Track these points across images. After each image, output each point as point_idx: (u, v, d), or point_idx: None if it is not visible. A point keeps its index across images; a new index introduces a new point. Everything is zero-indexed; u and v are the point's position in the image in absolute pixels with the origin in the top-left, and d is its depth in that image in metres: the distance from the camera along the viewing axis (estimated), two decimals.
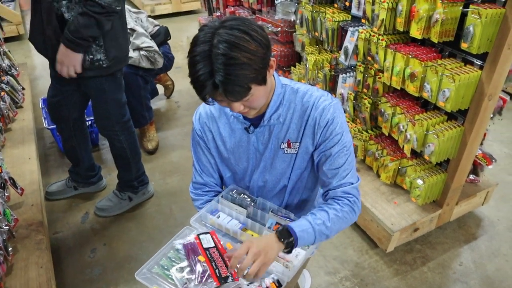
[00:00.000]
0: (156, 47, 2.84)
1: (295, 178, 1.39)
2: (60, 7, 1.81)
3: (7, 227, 1.89)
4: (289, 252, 1.20)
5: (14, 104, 3.07)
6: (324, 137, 1.27)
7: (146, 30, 2.95)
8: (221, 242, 1.28)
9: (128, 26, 2.73)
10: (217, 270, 1.16)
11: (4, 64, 3.13)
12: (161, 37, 3.10)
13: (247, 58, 1.04)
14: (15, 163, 2.53)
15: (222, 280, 1.14)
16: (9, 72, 3.22)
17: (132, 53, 2.78)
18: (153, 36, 3.02)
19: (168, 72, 3.69)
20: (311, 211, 1.29)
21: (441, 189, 2.17)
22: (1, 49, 3.22)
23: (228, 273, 1.16)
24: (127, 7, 2.93)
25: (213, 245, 1.26)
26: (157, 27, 3.11)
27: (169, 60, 3.21)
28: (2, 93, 2.86)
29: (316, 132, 1.27)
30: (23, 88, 3.34)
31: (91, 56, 1.91)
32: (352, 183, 1.30)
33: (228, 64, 1.03)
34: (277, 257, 1.24)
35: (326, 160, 1.29)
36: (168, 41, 3.24)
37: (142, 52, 2.79)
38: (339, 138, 1.27)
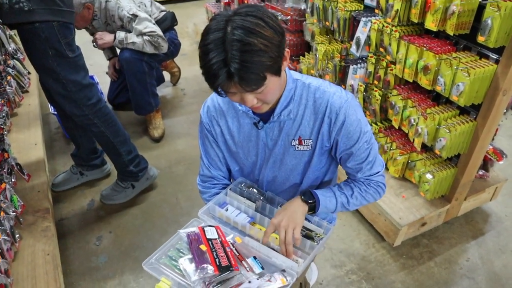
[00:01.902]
0: (159, 32, 2.80)
1: (311, 176, 1.37)
2: None
3: (14, 214, 1.89)
4: (313, 213, 1.33)
5: (20, 89, 3.06)
6: (343, 136, 1.24)
7: (151, 15, 2.91)
8: (229, 237, 1.27)
9: (130, 12, 2.69)
10: (217, 259, 1.15)
11: (10, 48, 3.09)
12: (168, 22, 3.06)
13: (263, 45, 1.00)
14: (21, 149, 2.52)
15: (222, 269, 1.13)
16: (15, 56, 3.19)
17: (135, 39, 2.75)
18: (160, 22, 2.98)
19: (174, 59, 3.66)
20: (337, 184, 1.38)
21: (450, 184, 2.14)
22: (7, 33, 3.18)
23: (228, 263, 1.15)
24: None
25: (216, 237, 1.25)
26: (164, 13, 3.07)
27: (175, 46, 3.17)
28: (9, 78, 2.84)
29: (332, 130, 1.25)
30: (29, 73, 3.32)
31: None
32: (378, 172, 1.35)
33: (244, 51, 0.98)
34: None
35: (349, 158, 1.30)
36: (175, 27, 3.20)
37: (145, 37, 2.75)
38: (358, 136, 1.24)
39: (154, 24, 2.80)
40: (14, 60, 3.13)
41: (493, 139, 2.13)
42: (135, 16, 2.71)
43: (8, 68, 2.93)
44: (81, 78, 2.06)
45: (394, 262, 2.14)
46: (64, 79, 1.99)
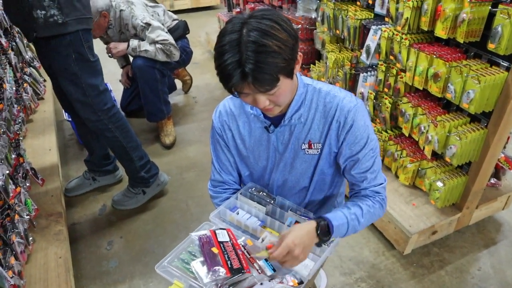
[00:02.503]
0: (171, 40, 2.86)
1: (317, 179, 1.38)
2: None
3: (28, 217, 1.93)
4: (319, 245, 1.25)
5: (36, 96, 3.13)
6: (349, 140, 1.26)
7: (163, 24, 2.97)
8: (241, 239, 1.28)
9: (144, 21, 2.75)
10: (229, 262, 1.17)
11: (27, 56, 3.18)
12: (180, 31, 3.12)
13: (277, 47, 1.02)
14: (36, 154, 2.57)
15: (234, 271, 1.14)
16: (31, 64, 3.27)
17: (148, 47, 2.80)
18: (172, 30, 3.04)
19: (186, 68, 3.71)
20: (345, 204, 1.31)
21: (461, 192, 2.13)
22: (25, 42, 3.26)
23: (239, 265, 1.16)
24: (144, 1, 2.96)
25: (228, 239, 1.26)
26: (176, 21, 3.13)
27: (187, 54, 3.22)
28: (25, 85, 2.91)
29: (340, 134, 1.26)
30: (44, 80, 3.39)
31: (43, 12, 1.81)
32: (381, 183, 1.32)
33: (259, 52, 1.01)
34: None
35: (353, 165, 1.29)
36: (187, 36, 3.25)
37: (158, 46, 2.81)
38: (365, 142, 1.26)
39: (166, 32, 2.86)
40: (31, 68, 3.21)
41: (504, 147, 2.11)
42: (148, 24, 2.77)
43: (25, 75, 3.00)
44: (99, 83, 2.12)
45: (404, 271, 2.12)
46: (84, 83, 2.05)
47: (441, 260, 2.18)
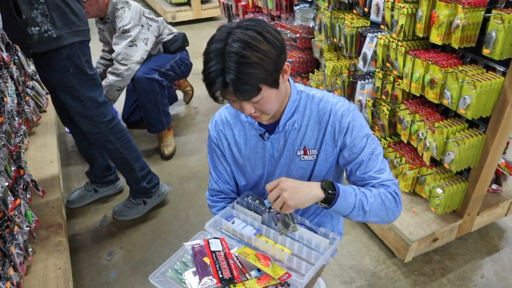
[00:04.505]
0: (133, 58, 2.79)
1: None
2: None
3: (28, 228, 1.93)
4: (327, 207, 1.20)
5: (38, 108, 3.16)
6: (349, 144, 1.26)
7: (160, 35, 2.99)
8: (234, 249, 1.28)
9: (126, 27, 2.74)
10: (220, 272, 1.17)
11: (29, 70, 3.22)
12: (178, 43, 3.13)
13: (258, 58, 1.05)
14: (37, 166, 2.59)
15: (224, 281, 1.15)
16: (34, 77, 3.31)
17: (109, 77, 2.79)
18: (170, 43, 3.06)
19: (187, 78, 3.73)
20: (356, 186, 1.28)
21: (462, 199, 2.11)
22: None
23: (230, 275, 1.16)
24: (144, 9, 2.94)
25: (220, 249, 1.26)
26: (174, 34, 3.15)
27: (186, 66, 3.24)
28: (27, 98, 2.94)
29: (337, 139, 1.27)
30: (47, 93, 3.43)
31: (37, 28, 1.82)
32: (392, 179, 1.28)
33: (240, 63, 1.04)
34: (290, 266, 1.24)
35: (359, 167, 1.27)
36: (187, 47, 3.28)
37: (110, 69, 2.81)
38: (365, 142, 1.25)
39: (136, 46, 2.79)
40: (33, 81, 3.24)
41: (504, 152, 2.10)
42: (125, 32, 2.75)
43: (27, 88, 3.04)
44: (98, 95, 2.13)
45: (405, 279, 2.10)
46: (83, 97, 2.06)
47: (443, 267, 2.16)
